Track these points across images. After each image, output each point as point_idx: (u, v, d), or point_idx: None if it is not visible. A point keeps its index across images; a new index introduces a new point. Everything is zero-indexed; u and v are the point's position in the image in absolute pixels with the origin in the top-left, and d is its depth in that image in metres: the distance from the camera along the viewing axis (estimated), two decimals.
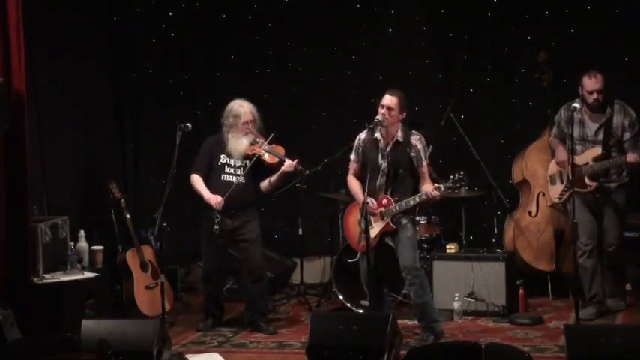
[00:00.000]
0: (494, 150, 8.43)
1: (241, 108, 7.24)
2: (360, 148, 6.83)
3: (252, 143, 7.23)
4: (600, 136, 7.15)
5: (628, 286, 7.96)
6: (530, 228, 8.05)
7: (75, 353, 5.85)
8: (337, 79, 8.84)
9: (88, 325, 6.05)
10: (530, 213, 8.05)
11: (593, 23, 8.18)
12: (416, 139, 6.73)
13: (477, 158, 7.99)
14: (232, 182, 7.17)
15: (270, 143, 7.22)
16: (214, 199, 7.15)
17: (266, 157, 7.21)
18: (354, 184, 6.90)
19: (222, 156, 7.26)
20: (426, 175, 6.76)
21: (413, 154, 6.70)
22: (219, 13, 9.07)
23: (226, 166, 7.26)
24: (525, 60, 8.30)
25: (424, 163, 6.74)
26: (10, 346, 6.09)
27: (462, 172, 6.61)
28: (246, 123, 7.22)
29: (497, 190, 8.05)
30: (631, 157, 6.97)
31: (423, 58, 8.73)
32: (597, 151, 7.14)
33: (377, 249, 6.74)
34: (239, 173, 7.23)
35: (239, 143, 7.22)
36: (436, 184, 6.65)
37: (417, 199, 6.64)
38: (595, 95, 7.06)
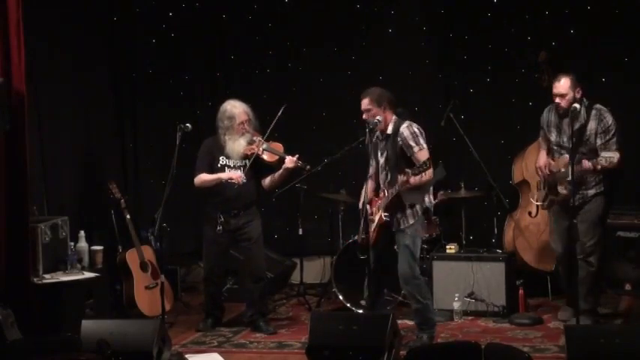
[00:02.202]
0: (494, 150, 8.43)
1: (235, 109, 7.23)
2: (368, 150, 6.83)
3: (250, 142, 7.23)
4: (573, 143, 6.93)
5: (628, 286, 7.95)
6: (530, 228, 8.05)
7: (75, 353, 5.84)
8: (337, 79, 8.84)
9: (88, 325, 6.05)
10: (530, 213, 8.04)
11: (593, 23, 8.18)
12: (403, 127, 6.56)
13: (477, 158, 7.99)
14: (234, 182, 7.16)
15: (268, 139, 7.22)
16: (234, 174, 7.14)
17: (265, 155, 7.21)
18: (367, 185, 6.82)
19: (221, 157, 7.26)
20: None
21: (401, 143, 6.55)
22: (219, 13, 9.08)
23: (226, 167, 7.26)
24: (525, 60, 8.30)
25: (414, 149, 6.50)
26: (10, 346, 6.08)
27: (428, 159, 6.39)
28: (242, 123, 7.22)
29: (497, 190, 8.04)
30: (583, 166, 6.72)
31: (423, 58, 8.73)
32: (567, 158, 6.89)
33: (381, 248, 6.72)
34: (239, 173, 7.22)
35: (237, 144, 7.22)
36: (406, 170, 6.43)
37: (393, 192, 6.51)
38: (558, 99, 6.88)
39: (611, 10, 8.14)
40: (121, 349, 5.81)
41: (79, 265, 7.34)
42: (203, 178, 7.26)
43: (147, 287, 7.61)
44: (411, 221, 6.61)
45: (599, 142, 6.86)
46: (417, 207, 6.62)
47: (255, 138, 7.24)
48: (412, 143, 6.53)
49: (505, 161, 8.27)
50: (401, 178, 6.42)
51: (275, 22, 8.98)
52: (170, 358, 6.23)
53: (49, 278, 6.99)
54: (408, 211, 6.60)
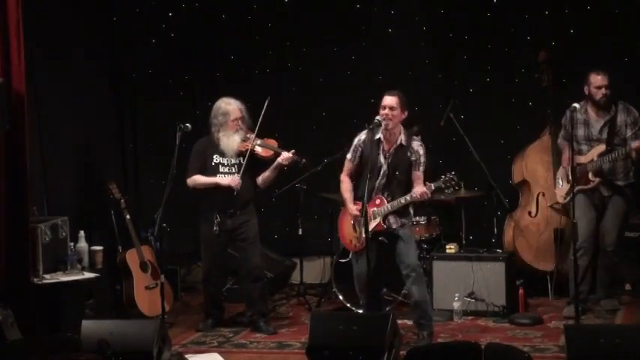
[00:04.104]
0: (495, 150, 8.43)
1: (229, 106, 7.24)
2: (360, 149, 6.82)
3: (244, 139, 7.23)
4: (605, 134, 7.27)
5: (628, 286, 7.98)
6: (530, 228, 8.05)
7: (75, 353, 5.84)
8: (337, 79, 8.84)
9: (88, 325, 6.06)
10: (530, 213, 8.06)
11: (593, 23, 8.18)
12: (418, 145, 6.75)
13: (477, 158, 7.98)
14: (232, 189, 7.15)
15: (261, 137, 7.21)
16: (231, 181, 7.14)
17: (259, 150, 7.21)
18: (344, 184, 6.93)
19: (214, 156, 7.25)
20: (421, 180, 6.71)
21: (413, 159, 6.70)
22: (219, 14, 9.08)
23: (220, 166, 7.25)
24: (525, 60, 8.30)
25: (421, 168, 6.72)
26: (10, 346, 6.08)
27: (453, 173, 6.64)
28: (236, 120, 7.22)
29: (497, 190, 8.04)
30: (636, 143, 7.06)
31: (423, 58, 8.73)
32: (602, 147, 7.23)
33: (374, 249, 6.72)
34: (234, 171, 7.22)
35: (231, 140, 7.22)
36: (427, 183, 6.67)
37: (408, 198, 6.63)
38: (604, 90, 7.21)
39: (611, 10, 8.15)
40: (121, 349, 5.81)
41: (79, 266, 7.33)
42: (198, 180, 7.25)
43: (147, 287, 7.61)
44: (406, 220, 6.76)
45: (629, 132, 7.20)
46: (409, 215, 6.84)
47: (248, 135, 7.24)
48: (422, 162, 6.73)
49: (505, 161, 8.27)
50: (421, 189, 6.59)
51: (275, 22, 8.98)
52: (170, 358, 6.23)
53: (49, 278, 6.99)
54: (401, 214, 6.76)
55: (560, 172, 7.56)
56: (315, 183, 8.25)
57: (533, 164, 8.04)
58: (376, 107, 6.72)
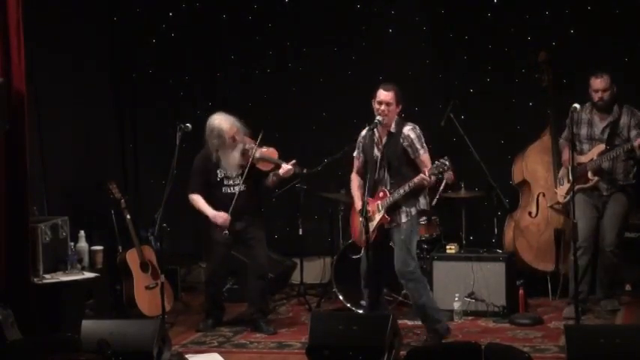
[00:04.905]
0: (495, 150, 8.43)
1: (222, 124, 7.18)
2: (361, 145, 6.83)
3: (244, 153, 7.22)
4: (606, 134, 7.29)
5: (628, 287, 7.98)
6: (530, 228, 8.05)
7: (75, 353, 5.85)
8: (337, 79, 8.84)
9: (88, 325, 6.06)
10: (530, 213, 8.05)
11: (593, 23, 8.18)
12: (408, 129, 6.63)
13: (477, 158, 7.98)
14: (234, 193, 7.16)
15: (260, 145, 7.20)
16: (220, 218, 7.15)
17: (260, 165, 7.21)
18: (354, 182, 6.91)
19: (218, 171, 7.26)
20: (427, 164, 6.56)
21: (406, 144, 6.61)
22: (219, 14, 9.07)
23: (225, 179, 7.26)
24: (525, 60, 8.30)
25: (420, 152, 6.61)
26: (10, 347, 6.08)
27: (445, 157, 6.48)
28: (232, 137, 7.20)
29: (498, 190, 8.04)
30: (637, 141, 7.06)
31: (423, 58, 8.73)
32: (602, 147, 7.25)
33: (378, 248, 6.71)
34: (238, 182, 7.22)
35: (231, 158, 7.22)
36: (424, 169, 6.52)
37: (407, 188, 6.53)
38: (600, 94, 7.24)
39: (611, 10, 8.15)
40: (121, 349, 5.81)
41: (79, 265, 7.34)
42: (197, 202, 7.28)
43: (147, 287, 7.61)
44: (404, 219, 6.65)
45: (633, 133, 7.20)
46: (412, 208, 6.68)
47: (247, 146, 7.22)
48: (418, 146, 6.63)
49: (505, 161, 8.27)
50: (418, 178, 6.46)
51: (275, 22, 8.97)
52: (170, 358, 6.23)
53: (49, 278, 6.99)
54: (403, 209, 6.64)
55: (562, 171, 7.59)
56: (315, 183, 8.25)
57: (533, 164, 8.04)
58: (373, 106, 6.71)
